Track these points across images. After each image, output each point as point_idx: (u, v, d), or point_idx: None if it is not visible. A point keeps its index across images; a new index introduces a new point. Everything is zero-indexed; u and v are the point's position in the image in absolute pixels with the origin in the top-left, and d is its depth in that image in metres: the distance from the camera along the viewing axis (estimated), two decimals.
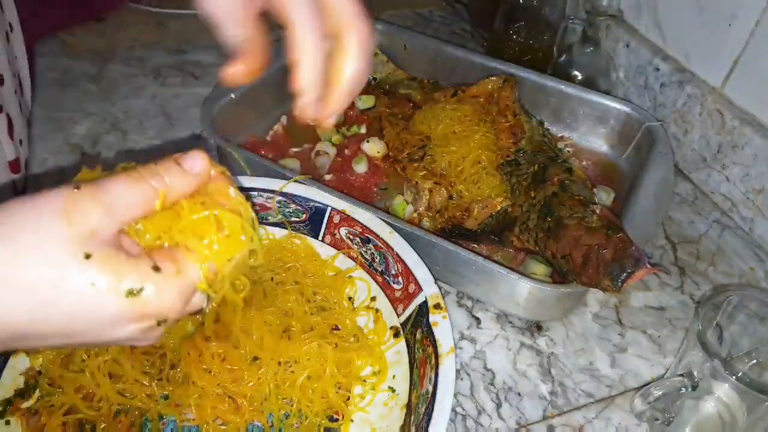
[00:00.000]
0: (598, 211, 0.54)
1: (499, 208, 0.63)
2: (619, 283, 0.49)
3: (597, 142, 0.76)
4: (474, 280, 0.57)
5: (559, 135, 0.77)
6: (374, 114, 0.76)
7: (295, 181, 0.60)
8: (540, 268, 0.59)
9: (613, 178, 0.72)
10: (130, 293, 0.32)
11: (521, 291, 0.55)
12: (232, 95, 0.70)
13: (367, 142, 0.72)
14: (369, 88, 0.78)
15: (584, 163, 0.74)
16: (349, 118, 0.77)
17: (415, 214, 0.66)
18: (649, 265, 0.48)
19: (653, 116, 0.71)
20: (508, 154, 0.66)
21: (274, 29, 0.40)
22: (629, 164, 0.72)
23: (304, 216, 0.60)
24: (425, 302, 0.52)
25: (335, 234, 0.60)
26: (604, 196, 0.67)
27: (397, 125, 0.72)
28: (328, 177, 0.70)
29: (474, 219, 0.63)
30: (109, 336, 0.33)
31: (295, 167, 0.70)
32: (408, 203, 0.67)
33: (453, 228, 0.64)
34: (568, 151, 0.74)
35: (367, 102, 0.77)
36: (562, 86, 0.75)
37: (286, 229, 0.61)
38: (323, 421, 0.49)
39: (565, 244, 0.54)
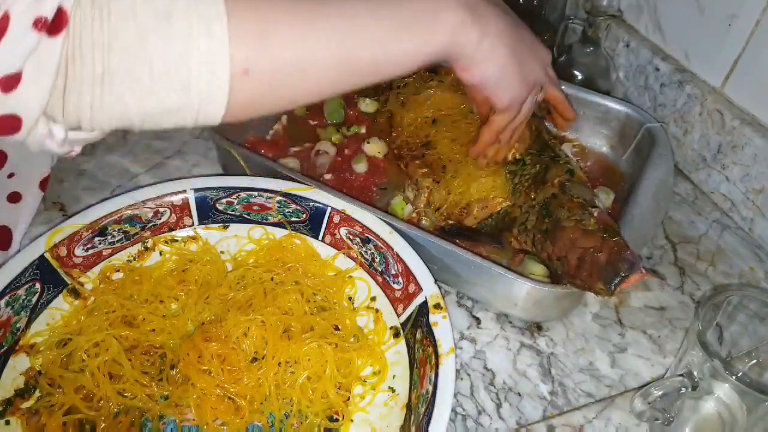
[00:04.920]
0: (595, 214, 0.54)
1: (499, 208, 0.63)
2: (612, 287, 0.48)
3: (598, 143, 0.75)
4: (471, 281, 0.57)
5: (562, 134, 0.77)
6: (386, 110, 0.76)
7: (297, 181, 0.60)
8: (538, 269, 0.59)
9: (613, 179, 0.72)
10: None
11: (519, 291, 0.54)
12: None
13: (368, 142, 0.72)
14: (381, 88, 0.78)
15: (588, 163, 0.74)
16: (349, 118, 0.77)
17: (414, 213, 0.66)
18: (644, 270, 0.48)
19: (653, 117, 0.70)
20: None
21: None
22: (629, 165, 0.72)
23: (304, 216, 0.60)
24: (425, 302, 0.52)
25: (335, 234, 0.60)
26: (604, 197, 0.67)
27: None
28: (327, 176, 0.70)
29: (473, 218, 0.63)
30: None
31: (295, 167, 0.70)
32: (407, 203, 0.67)
33: (452, 227, 0.63)
34: (576, 151, 0.74)
35: (371, 106, 0.78)
36: (563, 87, 0.74)
37: (286, 229, 0.61)
38: (323, 421, 0.49)
39: (561, 246, 0.53)
